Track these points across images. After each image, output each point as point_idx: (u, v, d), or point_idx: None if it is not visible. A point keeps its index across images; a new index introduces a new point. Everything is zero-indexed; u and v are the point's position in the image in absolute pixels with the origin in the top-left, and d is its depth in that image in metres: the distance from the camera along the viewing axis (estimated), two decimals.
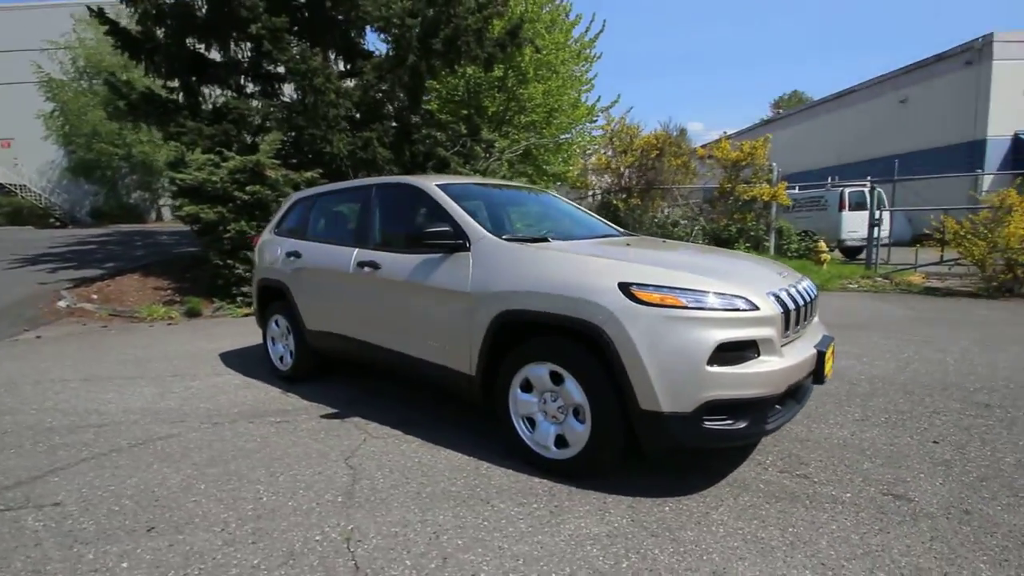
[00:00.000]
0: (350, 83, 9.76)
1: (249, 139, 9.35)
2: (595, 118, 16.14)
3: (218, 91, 10.21)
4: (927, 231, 8.80)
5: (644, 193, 11.07)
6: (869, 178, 14.50)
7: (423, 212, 3.29)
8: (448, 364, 2.90)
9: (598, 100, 16.14)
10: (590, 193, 13.94)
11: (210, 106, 9.92)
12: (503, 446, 2.78)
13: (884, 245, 11.00)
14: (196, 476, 2.62)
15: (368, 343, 3.42)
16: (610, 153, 11.76)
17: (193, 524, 2.19)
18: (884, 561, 1.86)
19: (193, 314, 7.90)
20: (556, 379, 2.45)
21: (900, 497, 2.27)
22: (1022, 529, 2.02)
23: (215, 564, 1.92)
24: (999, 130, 15.83)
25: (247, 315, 7.88)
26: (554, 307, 2.38)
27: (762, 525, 2.09)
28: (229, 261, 8.04)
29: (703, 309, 2.14)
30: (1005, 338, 5.00)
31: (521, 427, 2.62)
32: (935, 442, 2.80)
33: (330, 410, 3.53)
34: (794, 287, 2.49)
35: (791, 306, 2.35)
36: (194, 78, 9.69)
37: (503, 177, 11.80)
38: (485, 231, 2.84)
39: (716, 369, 2.10)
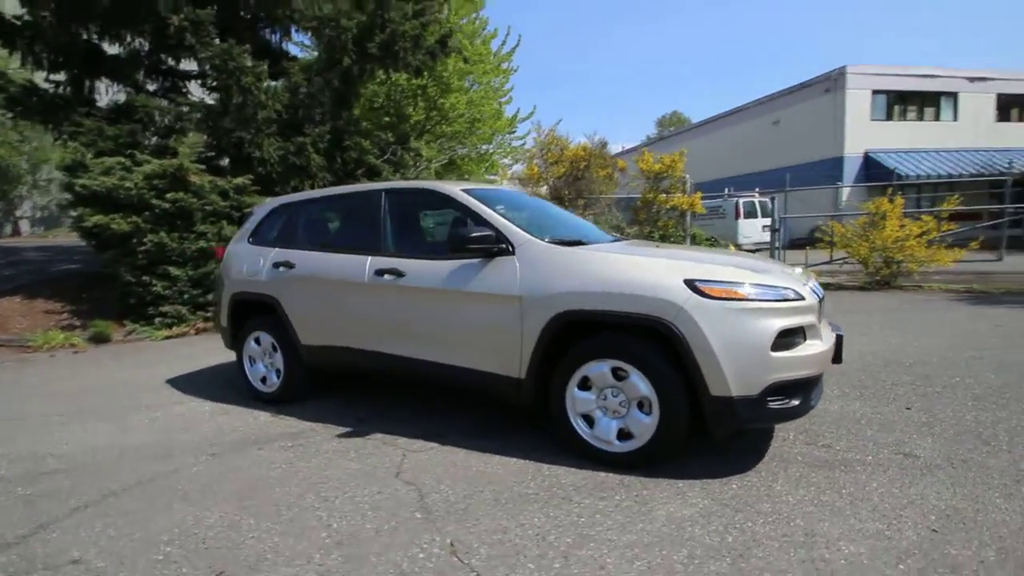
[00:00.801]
0: (274, 84, 9.15)
1: (156, 141, 8.40)
2: (514, 129, 16.56)
3: (115, 88, 9.06)
4: (816, 235, 10.17)
5: (573, 202, 11.56)
6: (757, 189, 16.55)
7: (453, 217, 3.24)
8: (492, 369, 2.88)
9: (518, 111, 16.60)
10: None
11: (106, 104, 8.77)
12: (551, 446, 2.83)
13: (778, 248, 12.48)
14: (237, 511, 2.36)
15: (388, 355, 3.27)
16: (540, 164, 12.14)
17: (270, 561, 1.98)
18: (928, 506, 2.18)
19: (101, 340, 6.91)
20: (617, 375, 2.55)
21: (909, 455, 2.66)
22: (1009, 469, 2.48)
23: None
24: (853, 148, 18.73)
25: (170, 337, 7.07)
26: (620, 305, 2.49)
27: (820, 490, 2.34)
28: (145, 278, 7.14)
29: (763, 300, 2.38)
30: (909, 320, 5.96)
31: (579, 425, 2.68)
32: (908, 408, 3.30)
33: (343, 429, 3.32)
34: (811, 281, 2.83)
35: (820, 296, 2.67)
36: (84, 72, 8.51)
37: None
38: (528, 235, 2.88)
39: (778, 354, 2.34)
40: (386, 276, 3.22)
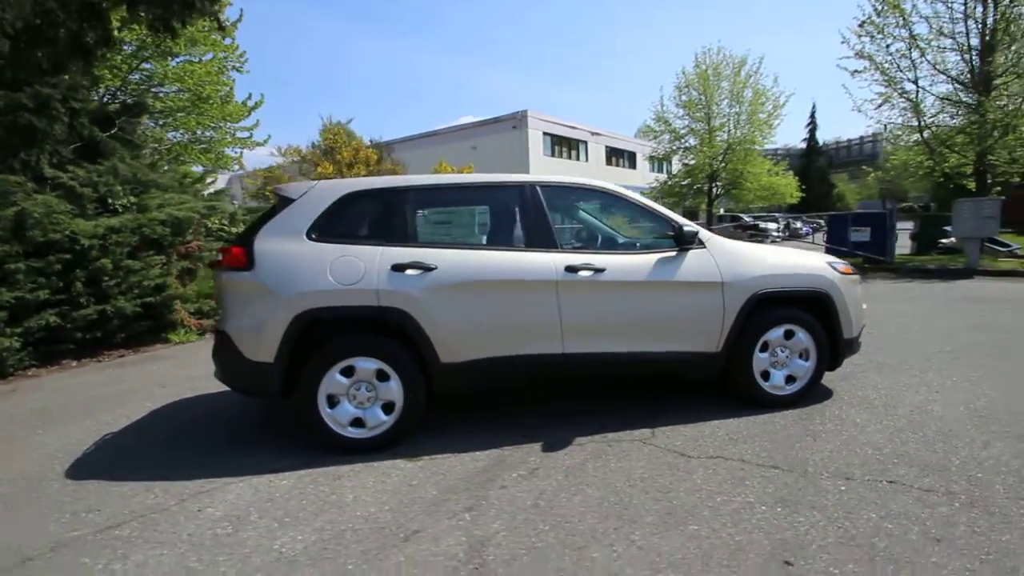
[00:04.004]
0: None
1: None
2: (247, 115, 14.06)
3: None
4: None
5: None
6: None
7: (628, 214, 3.38)
8: (692, 348, 3.29)
9: (249, 96, 14.17)
10: None
11: None
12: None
13: None
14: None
15: (572, 354, 3.15)
16: (319, 160, 10.99)
17: None
18: None
19: None
20: (787, 335, 3.44)
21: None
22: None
23: None
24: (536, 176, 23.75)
25: None
26: (796, 283, 3.40)
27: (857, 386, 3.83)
28: None
29: (856, 274, 3.70)
30: None
31: (760, 381, 3.43)
32: None
33: (566, 451, 2.98)
34: None
35: None
36: None
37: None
38: (706, 231, 3.41)
39: (864, 307, 3.71)
40: (581, 273, 3.12)
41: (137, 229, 6.13)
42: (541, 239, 3.20)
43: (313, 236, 3.00)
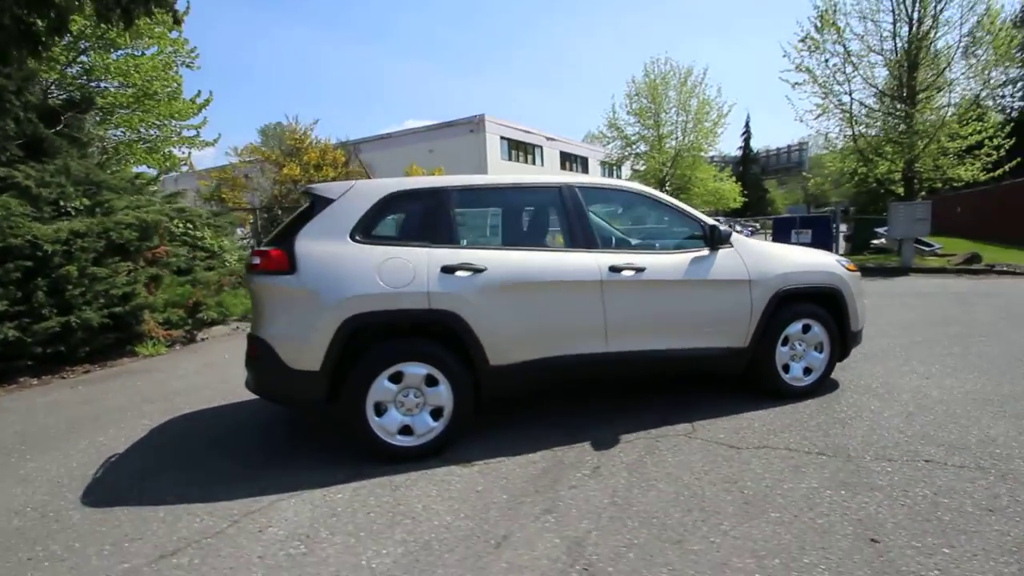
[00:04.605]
0: None
1: None
2: (196, 113, 13.22)
3: None
4: None
5: None
6: None
7: (663, 215, 3.46)
8: (724, 344, 3.43)
9: (198, 93, 13.33)
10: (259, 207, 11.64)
11: None
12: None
13: None
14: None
15: (606, 354, 3.20)
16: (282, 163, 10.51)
17: None
18: None
19: None
20: (804, 330, 3.64)
21: None
22: None
23: None
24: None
25: None
26: (813, 280, 3.61)
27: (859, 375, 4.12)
28: None
29: (858, 271, 3.96)
30: None
31: (782, 373, 3.61)
32: None
33: (618, 449, 3.00)
34: None
35: None
36: None
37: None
38: (729, 230, 3.55)
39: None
40: (624, 272, 3.18)
41: (103, 233, 5.64)
42: (583, 239, 3.23)
43: (357, 238, 2.88)
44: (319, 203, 2.97)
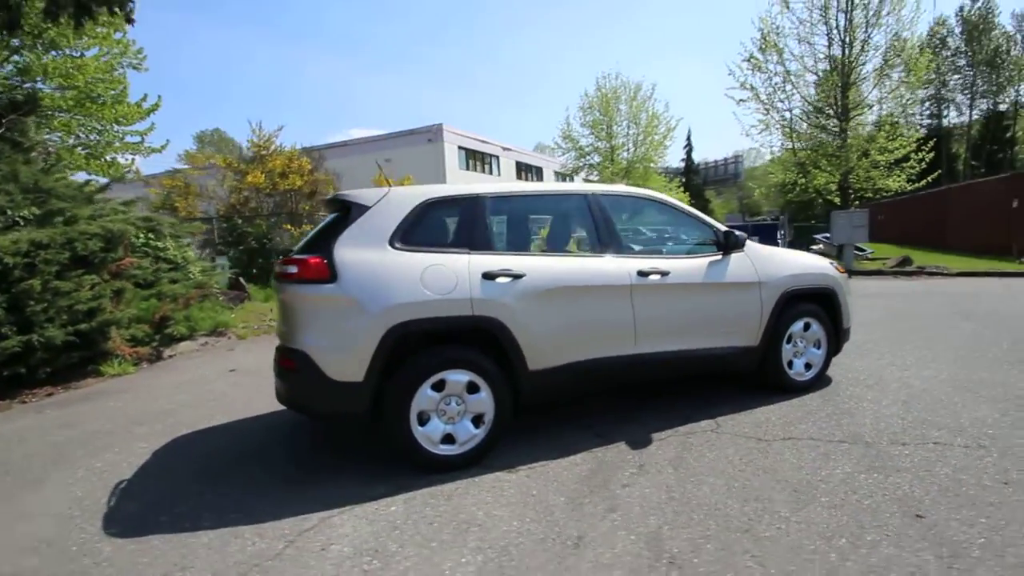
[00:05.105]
0: None
1: None
2: (144, 118, 12.42)
3: None
4: None
5: (311, 218, 10.28)
6: None
7: (679, 222, 3.60)
8: (737, 344, 3.61)
9: (145, 97, 12.54)
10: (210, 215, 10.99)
11: None
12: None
13: None
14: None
15: (638, 355, 3.30)
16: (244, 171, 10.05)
17: None
18: None
19: None
20: (805, 327, 3.89)
21: None
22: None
23: None
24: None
25: None
26: (813, 282, 3.87)
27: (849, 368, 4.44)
28: None
29: (846, 272, 4.27)
30: None
31: (788, 370, 3.84)
32: None
33: (654, 447, 3.09)
34: None
35: None
36: None
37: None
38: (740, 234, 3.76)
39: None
40: (651, 277, 3.29)
41: (68, 244, 5.21)
42: (612, 245, 3.32)
43: (396, 245, 2.83)
44: (355, 210, 2.90)
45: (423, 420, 2.81)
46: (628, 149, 26.13)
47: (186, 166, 12.75)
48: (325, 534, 2.33)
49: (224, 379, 5.34)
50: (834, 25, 15.40)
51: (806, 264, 3.97)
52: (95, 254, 5.58)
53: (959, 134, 41.53)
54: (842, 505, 2.34)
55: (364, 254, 2.77)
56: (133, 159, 12.91)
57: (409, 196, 3.01)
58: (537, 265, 3.06)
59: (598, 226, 3.35)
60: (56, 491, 2.92)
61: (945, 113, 41.72)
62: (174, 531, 2.42)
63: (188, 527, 2.45)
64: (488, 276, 2.90)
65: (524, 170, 31.01)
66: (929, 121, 40.26)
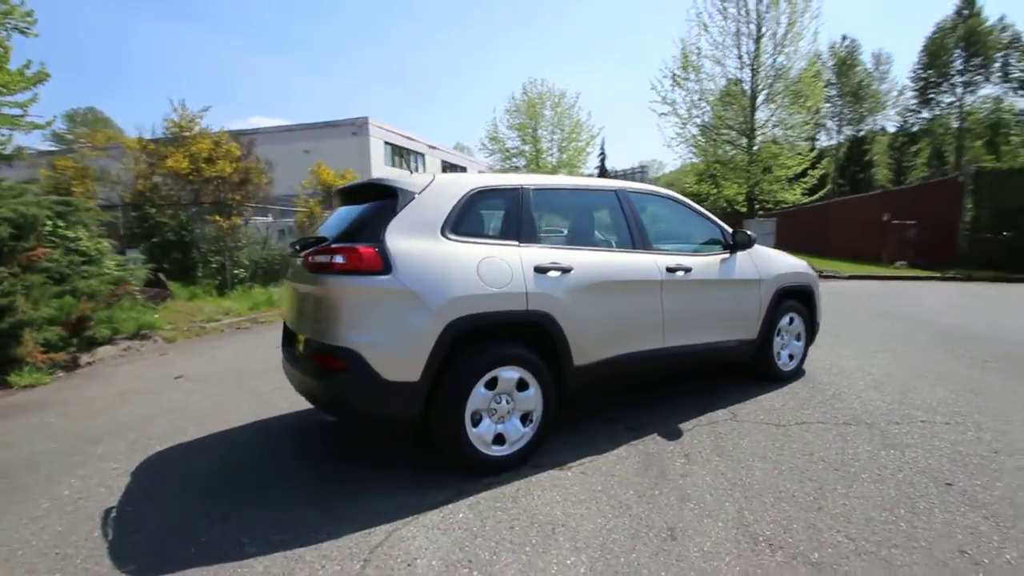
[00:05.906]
0: None
1: None
2: (26, 88, 10.54)
3: None
4: None
5: (241, 206, 9.35)
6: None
7: (693, 220, 3.74)
8: (741, 337, 3.83)
9: (26, 65, 10.67)
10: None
11: None
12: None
13: None
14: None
15: (662, 349, 3.39)
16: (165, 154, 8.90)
17: None
18: None
19: None
20: (789, 322, 4.23)
21: None
22: None
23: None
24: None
25: None
26: (798, 280, 4.22)
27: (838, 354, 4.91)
28: None
29: (816, 272, 4.70)
30: None
31: (776, 359, 4.14)
32: None
33: (687, 437, 3.18)
34: None
35: None
36: None
37: None
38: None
39: None
40: (678, 273, 3.39)
41: None
42: (642, 241, 3.38)
43: (449, 235, 2.67)
44: (402, 196, 2.68)
45: (476, 420, 2.68)
46: (552, 154, 26.82)
47: (58, 147, 10.91)
48: (401, 548, 2.13)
49: (174, 388, 4.71)
50: (744, 52, 16.95)
51: (792, 264, 4.31)
52: (4, 242, 4.68)
53: (830, 155, 47.49)
54: (884, 479, 2.57)
55: (418, 244, 2.58)
56: (10, 135, 11.00)
57: (456, 184, 2.85)
58: (582, 259, 3.03)
59: (629, 222, 3.40)
60: (24, 528, 2.40)
61: (818, 137, 47.53)
62: (213, 562, 2.09)
63: (231, 555, 2.12)
64: (539, 270, 2.83)
65: (450, 169, 30.64)
66: (806, 143, 45.66)
